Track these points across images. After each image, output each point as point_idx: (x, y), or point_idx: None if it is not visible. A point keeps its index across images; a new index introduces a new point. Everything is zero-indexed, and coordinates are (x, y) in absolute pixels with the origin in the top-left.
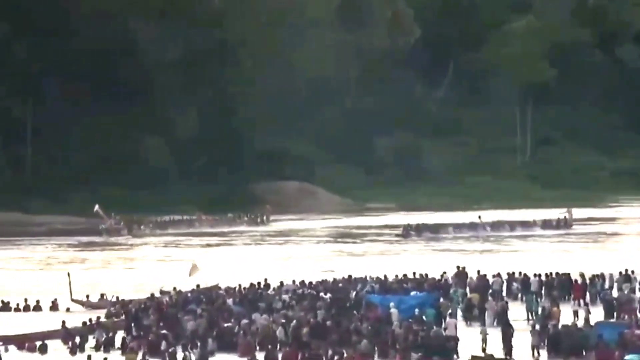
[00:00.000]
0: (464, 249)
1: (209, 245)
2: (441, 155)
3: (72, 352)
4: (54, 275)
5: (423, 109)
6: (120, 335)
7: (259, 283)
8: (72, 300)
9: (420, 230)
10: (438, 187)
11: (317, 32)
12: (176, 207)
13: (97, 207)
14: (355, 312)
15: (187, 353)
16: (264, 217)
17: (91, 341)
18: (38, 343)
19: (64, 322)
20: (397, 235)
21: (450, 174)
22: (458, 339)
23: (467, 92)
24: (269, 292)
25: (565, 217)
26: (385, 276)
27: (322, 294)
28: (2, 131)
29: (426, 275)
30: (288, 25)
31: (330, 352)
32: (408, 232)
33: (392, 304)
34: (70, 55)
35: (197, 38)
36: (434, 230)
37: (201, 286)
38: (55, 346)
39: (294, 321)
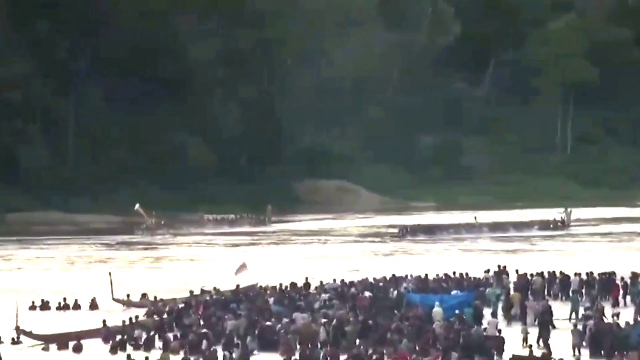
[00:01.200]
0: (490, 248)
1: (234, 245)
2: (482, 154)
3: (113, 351)
4: (92, 275)
5: (464, 107)
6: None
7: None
8: (114, 299)
9: (415, 231)
10: (479, 185)
11: (358, 30)
12: (216, 206)
13: (137, 205)
14: (395, 311)
15: (227, 353)
16: (266, 217)
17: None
18: (75, 342)
19: (104, 321)
20: (392, 236)
21: (491, 172)
22: (504, 339)
23: (508, 90)
24: (310, 291)
25: (562, 218)
26: (425, 275)
27: (361, 293)
28: (44, 129)
29: (466, 274)
30: (329, 24)
31: (370, 351)
32: (404, 233)
33: (437, 302)
34: (112, 53)
35: (239, 36)
36: (430, 232)
37: (241, 286)
38: (96, 345)
39: (335, 320)
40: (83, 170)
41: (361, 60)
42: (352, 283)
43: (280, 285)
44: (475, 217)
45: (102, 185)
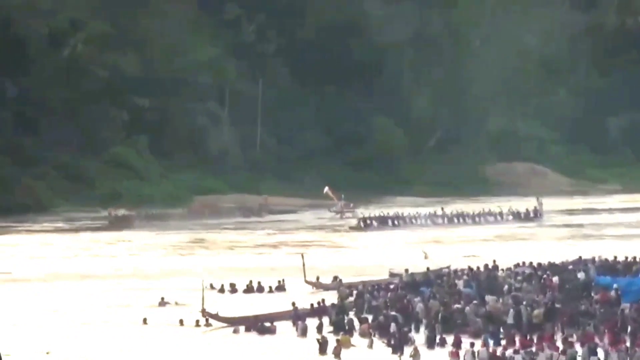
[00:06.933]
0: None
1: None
2: None
3: (302, 333)
4: (277, 258)
5: None
6: (349, 316)
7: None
8: (306, 281)
9: (378, 222)
10: None
11: (547, 12)
12: (405, 188)
13: (326, 188)
14: (585, 294)
15: (413, 335)
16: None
17: (317, 323)
18: (268, 324)
19: (294, 304)
20: (350, 227)
21: None
22: None
23: None
24: (498, 274)
25: (535, 207)
26: (614, 257)
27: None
28: (233, 111)
29: None
30: (517, 5)
31: (559, 333)
32: (362, 224)
33: (615, 285)
34: (301, 35)
35: (429, 19)
36: (391, 222)
37: (431, 268)
38: (285, 328)
39: (524, 303)
40: (271, 152)
41: (549, 42)
42: (540, 265)
43: (469, 267)
44: (442, 208)
45: (291, 167)
